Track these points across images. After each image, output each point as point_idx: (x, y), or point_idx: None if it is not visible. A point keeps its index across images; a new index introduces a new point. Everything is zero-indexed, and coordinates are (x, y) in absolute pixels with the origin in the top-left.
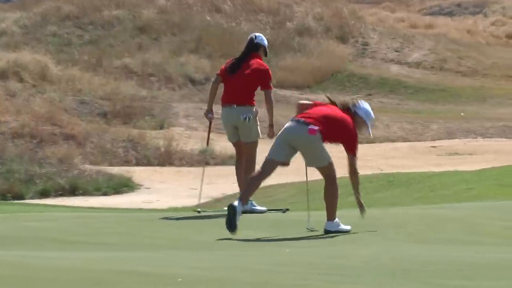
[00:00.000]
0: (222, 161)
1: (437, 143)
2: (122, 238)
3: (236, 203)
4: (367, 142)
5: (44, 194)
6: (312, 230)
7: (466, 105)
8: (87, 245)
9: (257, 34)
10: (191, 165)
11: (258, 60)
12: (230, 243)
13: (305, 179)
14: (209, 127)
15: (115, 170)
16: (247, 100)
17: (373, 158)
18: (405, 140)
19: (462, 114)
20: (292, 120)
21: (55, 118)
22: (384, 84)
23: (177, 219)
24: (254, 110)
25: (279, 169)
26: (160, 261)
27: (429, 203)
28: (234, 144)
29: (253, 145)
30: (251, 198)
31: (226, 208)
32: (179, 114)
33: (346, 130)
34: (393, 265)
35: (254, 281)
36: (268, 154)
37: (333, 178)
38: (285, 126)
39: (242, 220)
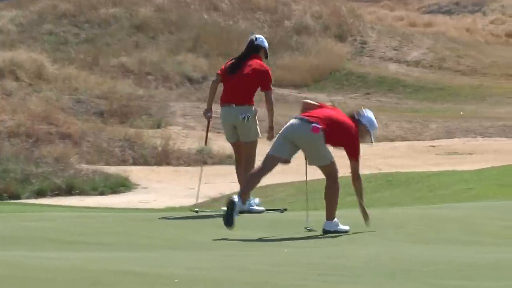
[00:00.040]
0: (220, 160)
1: (436, 142)
2: (120, 238)
3: (236, 198)
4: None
5: (40, 193)
6: (310, 230)
7: (465, 104)
8: (85, 245)
9: (257, 35)
10: (189, 164)
11: (258, 61)
12: (228, 243)
13: (305, 178)
14: (207, 126)
15: (112, 169)
16: (246, 100)
17: (372, 157)
18: (403, 139)
19: (461, 113)
20: (295, 118)
21: (51, 117)
22: (383, 82)
23: (175, 219)
24: (253, 109)
25: (278, 168)
26: (157, 261)
27: (428, 203)
28: (233, 145)
29: (253, 145)
30: (253, 197)
31: (224, 208)
32: (176, 113)
33: (348, 134)
34: (392, 265)
35: (252, 281)
36: (270, 150)
37: (335, 177)
38: (288, 123)
39: (239, 220)
